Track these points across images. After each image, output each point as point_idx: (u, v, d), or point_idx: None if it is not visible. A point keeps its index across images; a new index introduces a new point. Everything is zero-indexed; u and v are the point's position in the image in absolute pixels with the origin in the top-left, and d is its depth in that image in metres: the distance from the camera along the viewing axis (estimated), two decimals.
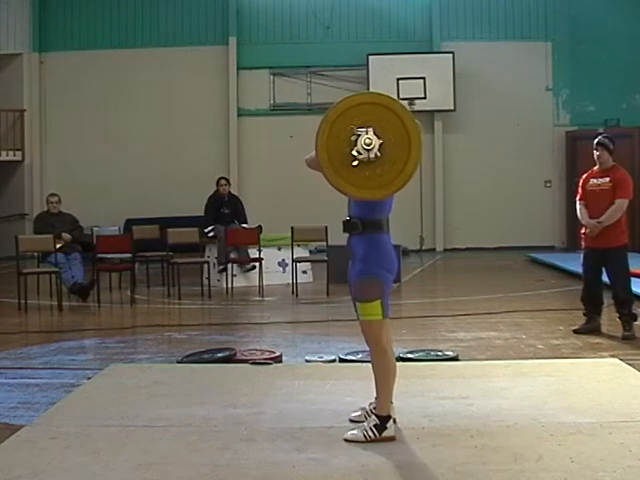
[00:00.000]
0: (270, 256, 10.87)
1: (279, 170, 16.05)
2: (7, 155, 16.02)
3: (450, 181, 16.35)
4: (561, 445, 3.71)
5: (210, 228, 10.82)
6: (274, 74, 16.46)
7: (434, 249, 16.28)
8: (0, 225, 15.75)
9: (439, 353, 5.89)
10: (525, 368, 5.30)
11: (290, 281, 10.16)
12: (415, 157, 3.66)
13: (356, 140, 3.62)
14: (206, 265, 10.73)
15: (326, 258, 10.23)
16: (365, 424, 3.89)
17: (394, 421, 3.91)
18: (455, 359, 5.73)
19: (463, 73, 15.81)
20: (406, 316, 7.92)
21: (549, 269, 12.27)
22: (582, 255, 6.89)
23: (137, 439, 3.90)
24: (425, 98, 15.62)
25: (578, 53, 16.21)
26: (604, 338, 6.63)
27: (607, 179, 6.69)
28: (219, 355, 5.79)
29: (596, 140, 6.82)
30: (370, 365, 3.97)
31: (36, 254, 9.99)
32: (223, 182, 11.29)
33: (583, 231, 6.83)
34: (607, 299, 7.01)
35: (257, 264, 10.40)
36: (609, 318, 7.18)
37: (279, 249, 11.03)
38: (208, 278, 10.56)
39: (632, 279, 6.81)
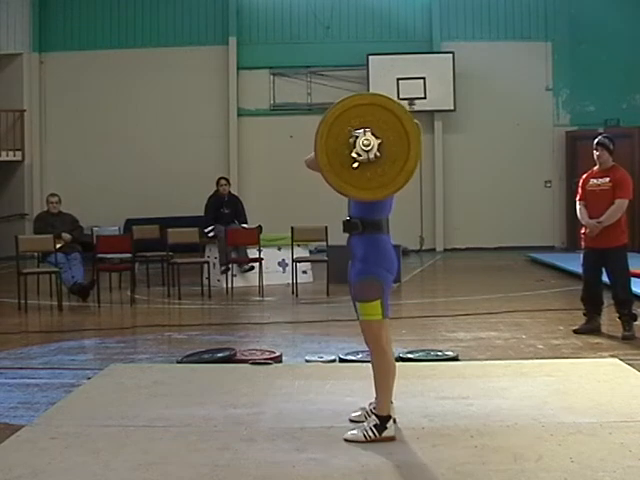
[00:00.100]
0: (270, 256, 10.87)
1: (279, 170, 16.04)
2: (7, 155, 16.01)
3: (450, 181, 16.35)
4: (561, 445, 3.71)
5: (210, 228, 10.82)
6: (274, 74, 16.46)
7: (434, 249, 16.28)
8: (0, 225, 15.75)
9: (439, 353, 5.89)
10: (525, 368, 5.30)
11: (290, 281, 10.16)
12: (415, 154, 3.66)
13: (354, 142, 3.62)
14: (206, 265, 10.73)
15: (326, 258, 10.23)
16: (365, 424, 3.89)
17: (394, 421, 3.91)
18: (455, 359, 5.73)
19: (463, 73, 15.81)
20: (406, 316, 7.92)
21: (549, 269, 12.27)
22: (582, 255, 6.89)
23: (137, 439, 3.90)
24: (425, 98, 15.62)
25: (578, 53, 16.21)
26: (604, 338, 6.63)
27: (607, 179, 6.69)
28: (219, 355, 5.79)
29: (596, 140, 6.82)
30: (370, 365, 3.97)
31: (36, 254, 9.99)
32: (223, 182, 11.29)
33: (583, 231, 6.83)
34: (607, 299, 7.01)
35: (255, 264, 10.41)
36: (609, 318, 7.18)
37: (279, 249, 11.03)
38: (208, 278, 10.56)
39: (632, 279, 6.81)
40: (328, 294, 9.70)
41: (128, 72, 16.27)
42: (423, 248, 16.31)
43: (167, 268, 10.28)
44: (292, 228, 10.15)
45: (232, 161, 16.30)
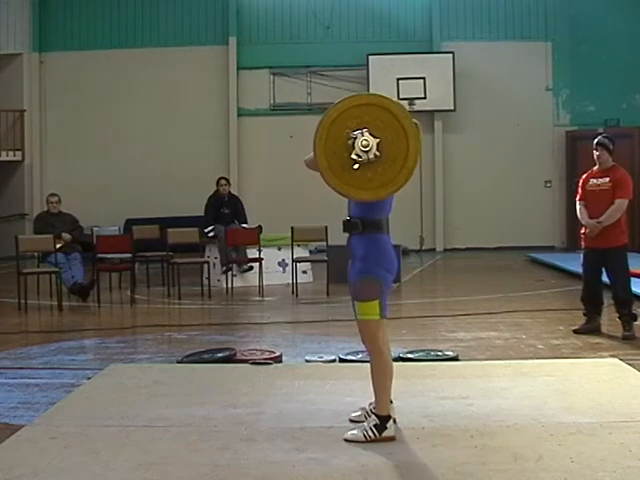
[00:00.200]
0: (270, 256, 10.87)
1: (279, 170, 16.04)
2: (7, 155, 16.02)
3: (450, 181, 16.35)
4: (561, 445, 3.71)
5: (210, 228, 10.82)
6: (274, 74, 16.46)
7: (434, 249, 16.28)
8: (0, 225, 15.75)
9: (439, 353, 5.89)
10: (525, 368, 5.30)
11: (290, 281, 10.16)
12: (414, 151, 3.67)
13: (353, 143, 3.62)
14: (206, 265, 10.73)
15: (326, 258, 10.23)
16: (365, 424, 3.89)
17: (394, 421, 3.92)
18: (455, 359, 5.73)
19: (463, 73, 15.81)
20: (406, 316, 7.92)
21: (549, 269, 12.27)
22: (582, 255, 6.89)
23: (137, 439, 3.91)
24: (425, 98, 15.63)
25: (578, 53, 16.21)
26: (604, 338, 6.63)
27: (607, 179, 6.69)
28: (219, 355, 5.79)
29: (596, 140, 6.82)
30: (369, 365, 3.97)
31: (36, 254, 9.99)
32: (223, 182, 11.29)
33: (583, 231, 6.83)
34: (607, 299, 7.01)
35: (254, 265, 10.41)
36: (609, 318, 7.18)
37: (279, 249, 11.03)
38: (208, 278, 10.56)
39: (632, 279, 6.81)
40: (328, 294, 9.70)
41: (128, 72, 16.27)
42: (423, 248, 16.31)
43: (167, 268, 10.28)
44: (292, 228, 10.15)
45: (232, 161, 16.30)
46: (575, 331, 6.83)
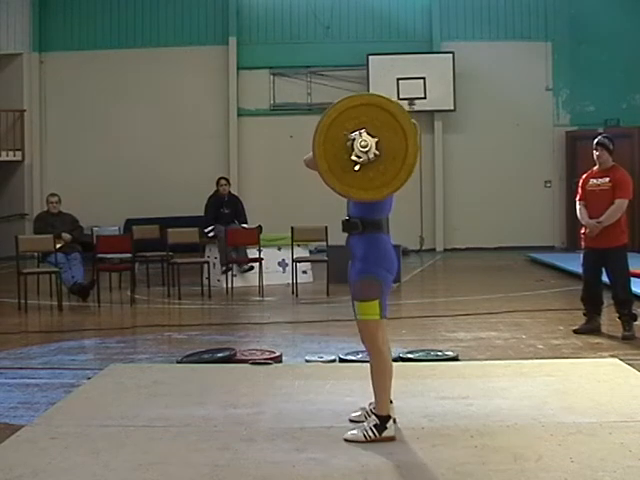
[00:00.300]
0: (270, 256, 10.87)
1: (279, 170, 16.05)
2: (7, 155, 16.02)
3: (450, 181, 16.35)
4: (561, 445, 3.71)
5: (210, 228, 10.82)
6: (274, 74, 16.46)
7: (434, 249, 16.28)
8: (0, 225, 15.75)
9: (439, 353, 5.89)
10: (525, 368, 5.30)
11: (290, 281, 10.16)
12: (413, 147, 3.67)
13: (352, 145, 3.63)
14: (206, 265, 10.73)
15: (326, 258, 10.23)
16: (365, 424, 3.89)
17: (394, 421, 3.91)
18: (455, 359, 5.73)
19: (463, 73, 15.81)
20: (406, 316, 7.92)
21: (549, 269, 12.27)
22: (582, 255, 6.89)
23: (137, 439, 3.91)
24: (425, 98, 15.63)
25: (578, 53, 16.21)
26: (604, 338, 6.63)
27: (607, 179, 6.69)
28: (219, 355, 5.79)
29: (596, 140, 6.82)
30: (369, 365, 3.97)
31: (36, 254, 9.99)
32: (223, 182, 11.29)
33: (583, 231, 6.83)
34: (607, 299, 7.01)
35: (255, 265, 10.40)
36: (609, 318, 7.18)
37: (279, 249, 11.03)
38: (208, 278, 10.56)
39: (632, 279, 6.81)
40: (328, 294, 9.70)
41: (128, 72, 16.27)
42: (423, 248, 16.31)
43: (167, 268, 10.28)
44: (292, 228, 10.15)
45: (232, 161, 16.30)
46: (575, 331, 6.83)
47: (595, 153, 6.77)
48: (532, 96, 16.15)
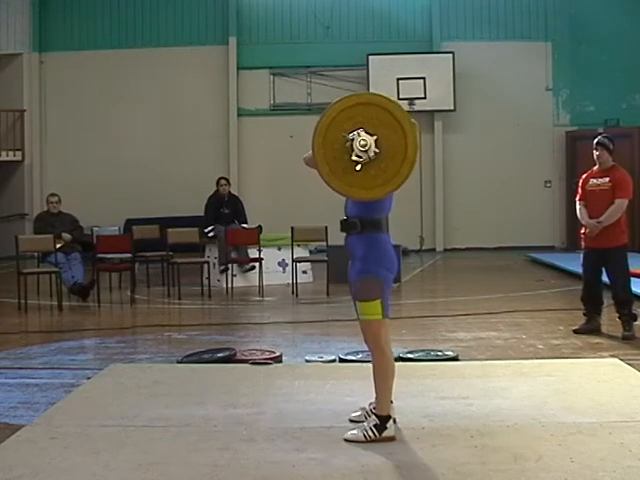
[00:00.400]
0: (270, 256, 10.87)
1: (279, 170, 16.05)
2: (7, 155, 16.02)
3: (450, 181, 16.35)
4: (561, 445, 3.71)
5: (210, 228, 10.82)
6: (274, 74, 16.46)
7: (434, 249, 16.28)
8: (0, 225, 15.75)
9: (439, 353, 5.89)
10: (525, 368, 5.30)
11: (290, 281, 10.16)
12: (412, 142, 3.67)
13: (351, 145, 3.63)
14: (206, 265, 10.73)
15: (326, 258, 10.23)
16: (365, 424, 3.89)
17: (394, 421, 3.91)
18: (455, 359, 5.73)
19: (463, 73, 15.81)
20: (406, 316, 7.91)
21: (549, 269, 12.26)
22: (582, 255, 6.89)
23: (137, 439, 3.90)
24: (425, 98, 15.63)
25: (578, 53, 16.21)
26: (604, 338, 6.62)
27: (607, 179, 6.69)
28: (219, 355, 5.79)
29: (596, 140, 6.82)
30: (370, 365, 3.97)
31: (36, 254, 9.99)
32: (223, 182, 11.29)
33: (583, 231, 6.83)
34: (607, 299, 7.01)
35: (256, 264, 10.41)
36: (609, 318, 7.18)
37: (279, 249, 11.03)
38: (208, 278, 10.56)
39: (632, 279, 6.81)
40: (328, 294, 9.70)
41: (128, 72, 16.27)
42: (423, 248, 16.30)
43: (167, 268, 10.28)
44: (292, 228, 10.15)
45: (232, 161, 16.30)
46: (575, 331, 6.83)
47: (595, 153, 6.77)
48: (532, 96, 16.15)
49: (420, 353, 5.89)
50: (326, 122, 3.68)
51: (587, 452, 3.60)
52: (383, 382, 3.87)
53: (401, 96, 14.99)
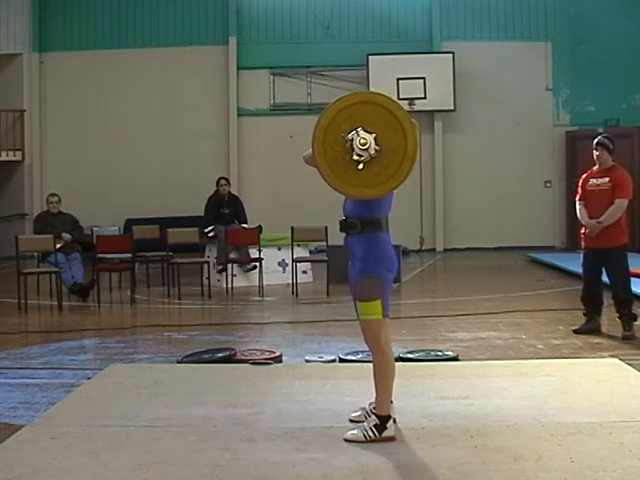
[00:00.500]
0: (270, 256, 10.87)
1: (279, 170, 16.04)
2: (7, 155, 16.01)
3: (450, 181, 16.35)
4: (561, 445, 3.71)
5: (210, 228, 10.83)
6: (274, 74, 16.46)
7: (434, 249, 16.28)
8: (0, 225, 15.75)
9: (439, 353, 5.89)
10: (525, 368, 5.30)
11: (290, 281, 10.16)
12: (412, 137, 3.68)
13: (351, 145, 3.63)
14: (206, 265, 10.73)
15: (326, 258, 10.23)
16: (365, 424, 3.89)
17: (394, 421, 3.91)
18: (455, 359, 5.73)
19: (463, 73, 15.81)
20: (406, 316, 7.92)
21: (549, 269, 12.26)
22: (582, 255, 6.89)
23: (137, 439, 3.91)
24: (425, 98, 15.62)
25: (578, 53, 16.21)
26: (604, 338, 6.63)
27: (607, 179, 6.69)
28: (219, 355, 5.79)
29: (596, 140, 6.82)
30: (370, 365, 3.97)
31: (36, 254, 9.99)
32: (223, 182, 11.30)
33: (583, 231, 6.83)
34: (607, 299, 7.01)
35: (258, 264, 10.40)
36: (609, 318, 7.18)
37: (279, 249, 11.03)
38: (208, 278, 10.56)
39: (632, 279, 6.81)
40: (328, 294, 9.70)
41: (128, 72, 16.27)
42: (423, 248, 16.30)
43: (167, 268, 10.28)
44: (292, 228, 10.15)
45: (232, 161, 16.30)
46: (575, 331, 6.83)
47: (595, 153, 6.77)
48: (532, 96, 16.15)
49: (420, 353, 5.89)
50: (324, 125, 3.68)
51: (587, 452, 3.60)
52: (383, 382, 3.88)
53: (401, 96, 14.99)
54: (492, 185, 16.11)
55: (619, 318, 6.70)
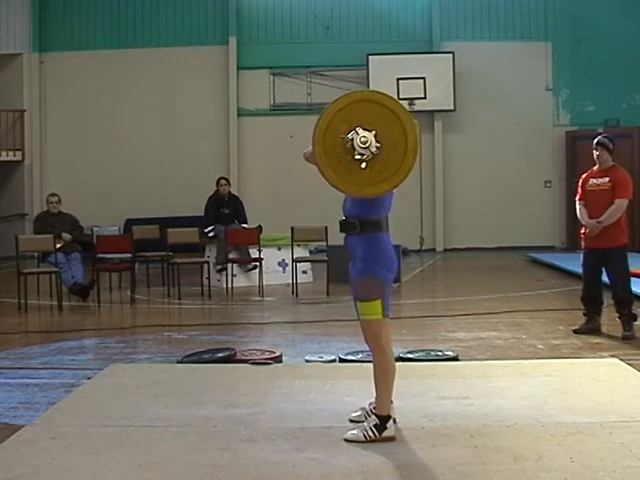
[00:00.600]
0: (270, 256, 10.87)
1: (279, 170, 16.05)
2: (7, 155, 16.01)
3: (450, 181, 16.34)
4: (561, 445, 3.71)
5: (210, 228, 10.83)
6: (274, 74, 16.46)
7: (434, 249, 16.28)
8: (0, 225, 15.75)
9: (439, 353, 5.89)
10: (525, 368, 5.30)
11: (290, 281, 10.16)
12: (411, 130, 3.68)
13: (352, 145, 3.63)
14: (206, 265, 10.73)
15: (326, 258, 10.23)
16: (365, 424, 3.89)
17: (394, 421, 3.91)
18: (455, 359, 5.73)
19: (463, 73, 15.81)
20: (406, 316, 7.91)
21: (549, 269, 12.26)
22: (582, 255, 6.89)
23: (137, 439, 3.90)
24: (425, 98, 15.62)
25: (578, 53, 16.21)
26: (604, 338, 6.62)
27: (607, 179, 6.69)
28: (219, 355, 5.79)
29: (596, 140, 6.82)
30: (370, 365, 3.97)
31: (36, 254, 9.99)
32: (223, 182, 11.30)
33: (583, 231, 6.83)
34: (607, 299, 7.01)
35: (258, 264, 10.40)
36: (609, 318, 7.18)
37: (279, 249, 11.03)
38: (208, 278, 10.56)
39: (632, 279, 6.81)
40: (328, 294, 9.70)
41: (128, 72, 16.27)
42: (423, 248, 16.30)
43: (167, 268, 10.28)
44: (292, 228, 10.15)
45: (232, 161, 16.30)
46: (575, 331, 6.83)
47: (595, 153, 6.77)
48: (532, 96, 16.15)
49: (420, 353, 5.89)
50: (323, 126, 3.68)
51: (587, 452, 3.60)
52: (383, 382, 3.88)
53: (401, 96, 14.94)
54: (492, 185, 16.11)
55: (619, 318, 6.70)
